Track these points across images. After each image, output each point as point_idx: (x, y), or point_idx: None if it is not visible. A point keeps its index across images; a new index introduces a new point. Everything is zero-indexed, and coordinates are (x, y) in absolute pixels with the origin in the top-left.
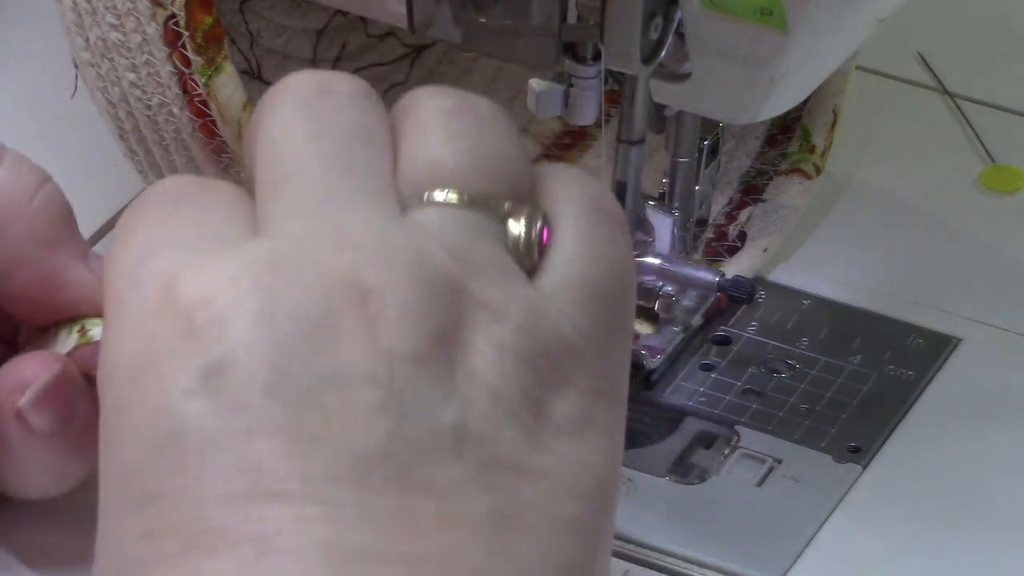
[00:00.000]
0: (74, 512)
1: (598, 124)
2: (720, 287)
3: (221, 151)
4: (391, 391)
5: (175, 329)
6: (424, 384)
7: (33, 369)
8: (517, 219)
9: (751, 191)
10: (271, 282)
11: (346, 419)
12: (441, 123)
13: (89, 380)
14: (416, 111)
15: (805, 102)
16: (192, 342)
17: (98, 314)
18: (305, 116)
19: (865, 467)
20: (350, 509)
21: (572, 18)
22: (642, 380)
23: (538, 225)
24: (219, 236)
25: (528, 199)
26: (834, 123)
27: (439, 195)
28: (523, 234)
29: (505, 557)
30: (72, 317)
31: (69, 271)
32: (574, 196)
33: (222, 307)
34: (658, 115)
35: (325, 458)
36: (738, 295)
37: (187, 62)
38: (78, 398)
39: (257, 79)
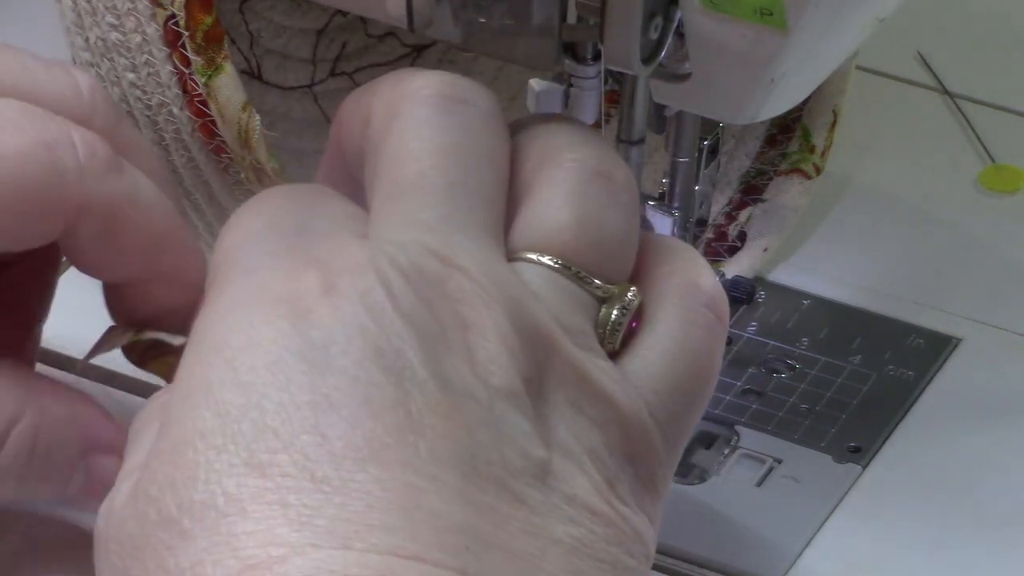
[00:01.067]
0: None
1: (598, 124)
2: None
3: (221, 151)
4: (490, 413)
5: (298, 304)
6: (516, 417)
7: None
8: (612, 303)
9: (751, 191)
10: (393, 282)
11: (453, 417)
12: (577, 188)
13: None
14: (555, 164)
15: (805, 102)
16: (314, 318)
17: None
18: (442, 126)
19: (865, 467)
20: (455, 493)
21: (572, 18)
22: None
23: (630, 315)
24: (343, 228)
25: (627, 281)
26: (834, 123)
27: (550, 260)
28: (614, 319)
29: None
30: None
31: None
32: (686, 289)
33: (346, 293)
34: (658, 115)
35: (434, 441)
36: (738, 295)
37: (187, 62)
38: None
39: (257, 79)
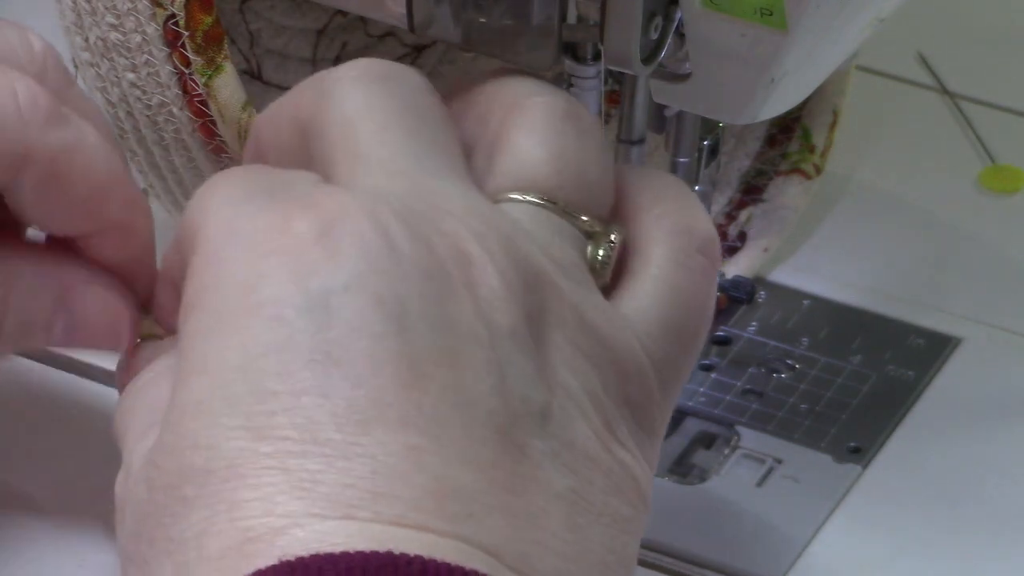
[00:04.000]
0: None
1: None
2: (720, 287)
3: (221, 151)
4: (493, 354)
5: (293, 252)
6: (519, 358)
7: None
8: (598, 238)
9: (751, 191)
10: (387, 222)
11: (457, 364)
12: (551, 126)
13: None
14: (525, 108)
15: (805, 102)
16: (311, 267)
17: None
18: (383, 94)
19: (865, 467)
20: (456, 449)
21: (572, 18)
22: None
23: (615, 249)
24: (318, 184)
25: (613, 218)
26: (834, 123)
27: (534, 196)
28: (603, 254)
29: (580, 535)
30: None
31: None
32: (679, 232)
33: (341, 237)
34: (658, 115)
35: (437, 395)
36: (738, 295)
37: (187, 62)
38: None
39: (257, 79)
